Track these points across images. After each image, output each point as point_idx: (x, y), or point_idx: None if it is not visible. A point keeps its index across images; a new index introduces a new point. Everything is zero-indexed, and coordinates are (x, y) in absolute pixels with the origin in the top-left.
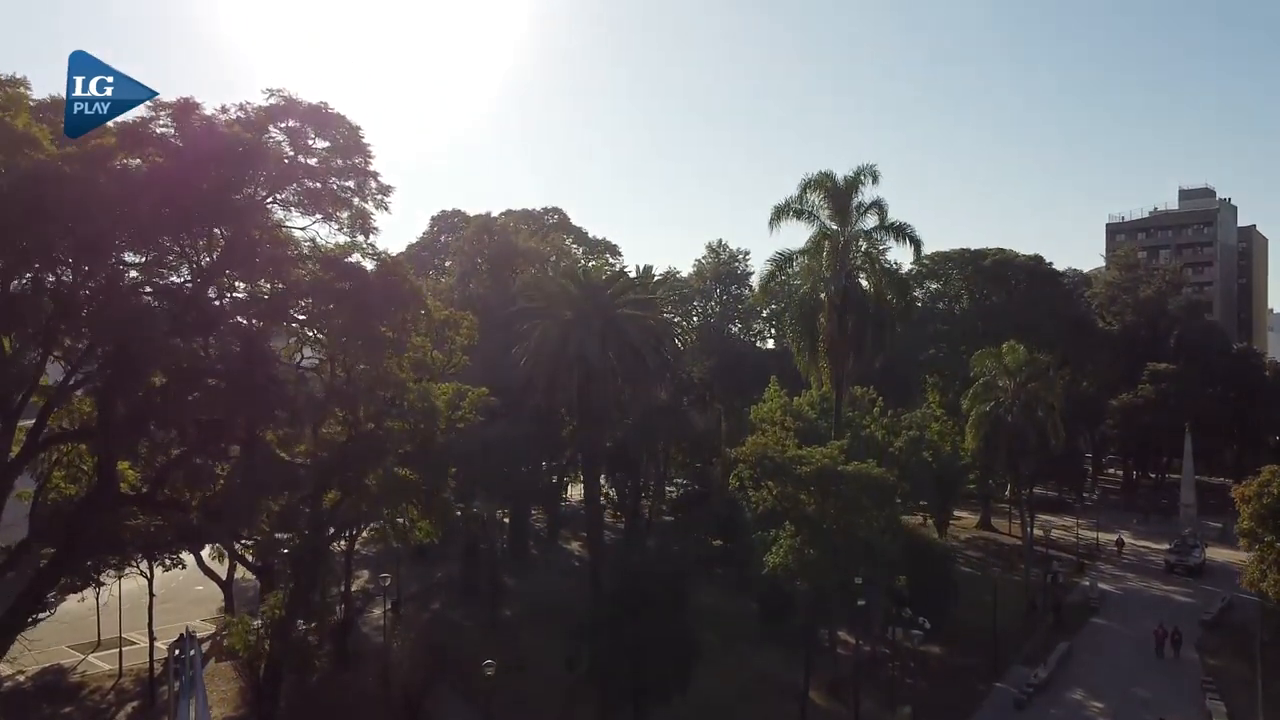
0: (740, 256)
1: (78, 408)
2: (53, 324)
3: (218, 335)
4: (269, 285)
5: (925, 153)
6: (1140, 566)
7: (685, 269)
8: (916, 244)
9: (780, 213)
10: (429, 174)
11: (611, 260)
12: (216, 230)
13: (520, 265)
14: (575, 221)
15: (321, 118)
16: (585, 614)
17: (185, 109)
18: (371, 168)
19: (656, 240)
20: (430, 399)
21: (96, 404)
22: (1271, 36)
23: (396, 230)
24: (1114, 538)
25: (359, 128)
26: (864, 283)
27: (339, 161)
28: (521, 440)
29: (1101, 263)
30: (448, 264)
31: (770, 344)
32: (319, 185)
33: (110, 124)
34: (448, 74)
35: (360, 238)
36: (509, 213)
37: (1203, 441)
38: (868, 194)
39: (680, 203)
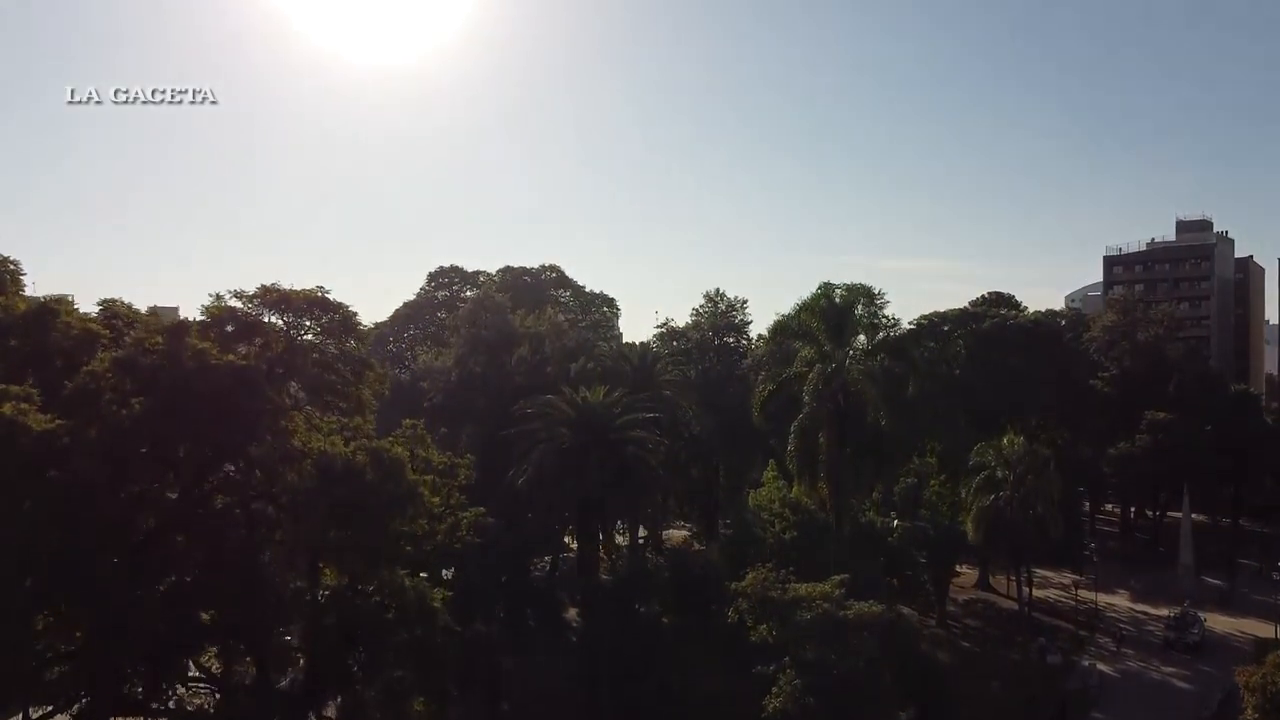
0: (738, 305)
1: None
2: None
3: (210, 550)
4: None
5: (925, 174)
6: (1139, 641)
7: (686, 275)
8: (913, 364)
9: (778, 332)
10: (429, 181)
11: (609, 311)
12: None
13: (519, 342)
14: (571, 274)
15: (317, 303)
16: None
17: (177, 331)
18: (368, 357)
19: (657, 245)
20: (428, 600)
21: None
22: (1267, 51)
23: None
24: (1113, 601)
25: (354, 312)
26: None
27: (334, 342)
28: (520, 548)
29: (1098, 277)
30: (440, 314)
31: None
32: (317, 377)
33: (99, 327)
34: (447, 76)
35: (359, 419)
36: (507, 269)
37: (1201, 484)
38: (866, 304)
39: (678, 208)
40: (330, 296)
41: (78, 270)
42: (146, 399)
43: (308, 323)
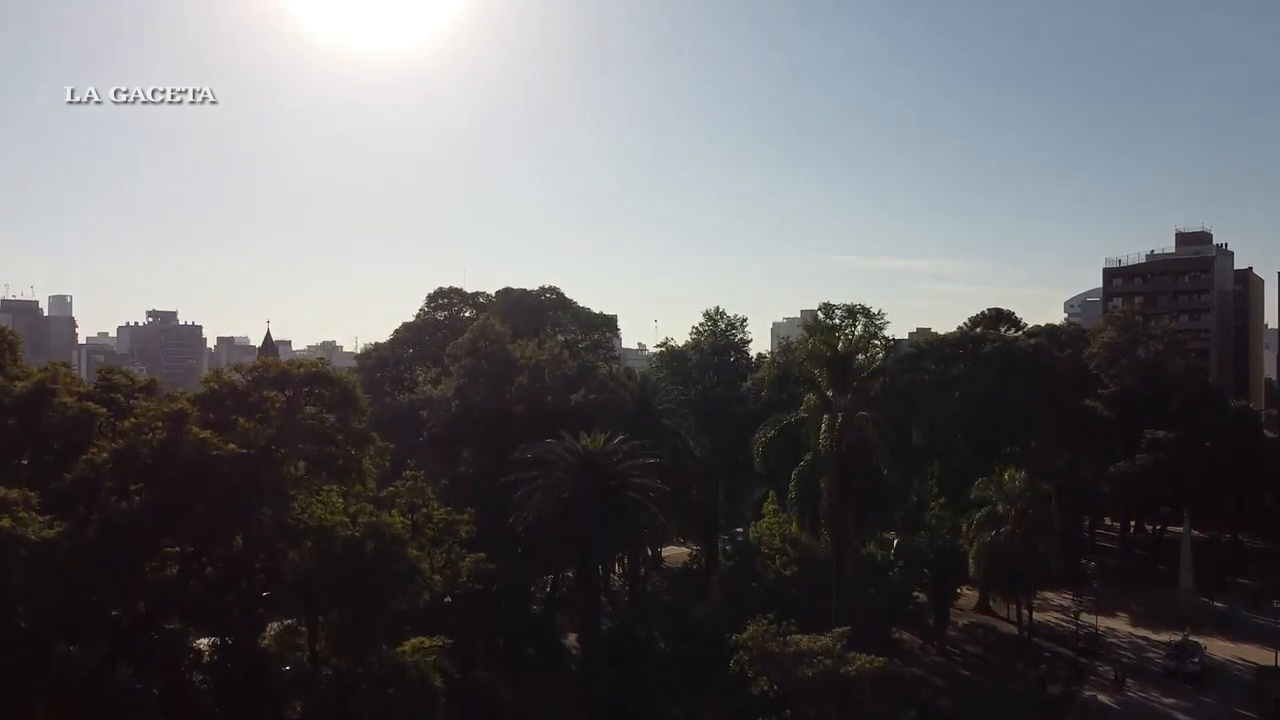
0: (738, 323)
1: None
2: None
3: (210, 631)
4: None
5: (925, 175)
6: (1139, 669)
7: (685, 274)
8: (919, 415)
9: (780, 380)
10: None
11: (609, 334)
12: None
13: (518, 371)
14: (570, 294)
15: (316, 378)
16: None
17: (177, 418)
18: (370, 431)
19: (656, 243)
20: (429, 679)
21: None
22: (1268, 62)
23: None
24: (1113, 625)
25: (354, 385)
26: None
27: (334, 416)
28: (520, 578)
29: (1098, 283)
30: (441, 332)
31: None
32: (317, 452)
33: (96, 406)
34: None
35: (359, 486)
36: (507, 291)
37: (1201, 499)
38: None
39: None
40: (330, 370)
41: (78, 270)
42: (146, 491)
43: (307, 399)
